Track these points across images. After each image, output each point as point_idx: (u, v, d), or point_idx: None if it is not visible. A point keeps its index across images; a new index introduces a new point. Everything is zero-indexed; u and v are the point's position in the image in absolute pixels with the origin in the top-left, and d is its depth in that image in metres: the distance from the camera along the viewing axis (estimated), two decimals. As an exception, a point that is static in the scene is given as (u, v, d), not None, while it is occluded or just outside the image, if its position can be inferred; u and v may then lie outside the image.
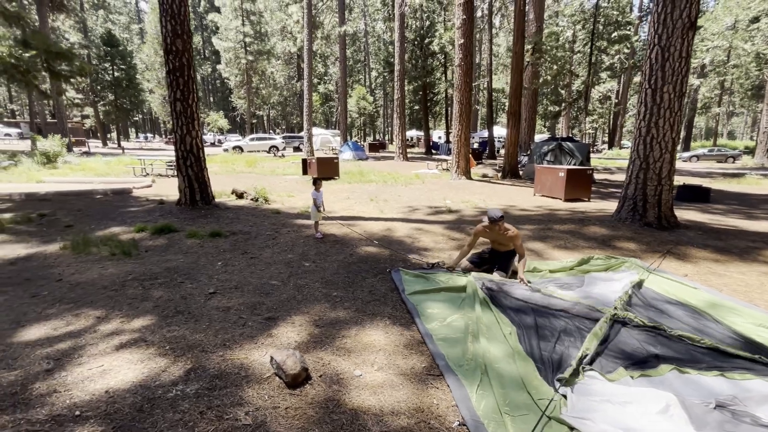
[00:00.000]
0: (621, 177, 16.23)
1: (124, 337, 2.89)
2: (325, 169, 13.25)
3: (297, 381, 2.27)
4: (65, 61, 9.29)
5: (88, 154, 23.81)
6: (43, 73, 10.51)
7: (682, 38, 5.92)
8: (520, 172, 14.88)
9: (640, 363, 2.67)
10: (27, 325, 3.05)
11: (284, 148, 30.09)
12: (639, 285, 3.90)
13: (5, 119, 42.43)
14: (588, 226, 6.45)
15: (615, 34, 22.14)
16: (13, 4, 11.22)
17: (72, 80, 10.31)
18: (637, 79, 28.15)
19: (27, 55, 8.77)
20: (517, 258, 4.19)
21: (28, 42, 8.86)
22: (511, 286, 3.78)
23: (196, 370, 2.44)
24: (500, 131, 35.64)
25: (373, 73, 54.43)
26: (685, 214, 7.81)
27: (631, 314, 3.17)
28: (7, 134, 35.24)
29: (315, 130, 29.88)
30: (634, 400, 2.17)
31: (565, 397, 2.24)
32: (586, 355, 2.67)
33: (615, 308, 3.26)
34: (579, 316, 3.29)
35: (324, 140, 32.06)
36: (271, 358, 2.39)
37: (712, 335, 3.01)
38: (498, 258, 4.28)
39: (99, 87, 32.99)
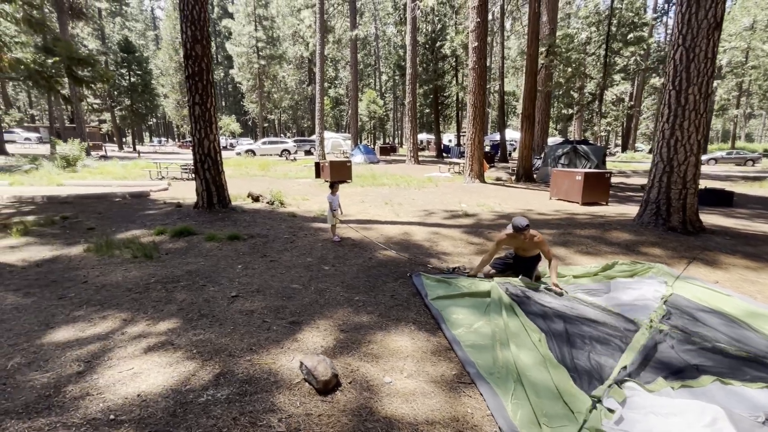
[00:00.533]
0: (637, 180, 15.94)
1: (152, 340, 2.89)
2: (338, 173, 13.28)
3: (328, 387, 2.24)
4: (87, 67, 9.52)
5: (105, 157, 24.28)
6: (65, 78, 10.76)
7: (708, 39, 5.78)
8: (534, 176, 14.72)
9: (679, 373, 2.58)
10: (56, 327, 3.07)
11: (296, 152, 30.33)
12: (670, 294, 3.77)
13: (25, 124, 43.60)
14: (610, 230, 6.32)
15: (631, 35, 21.83)
16: (35, 12, 11.52)
17: (93, 86, 10.53)
18: (654, 81, 27.69)
19: (50, 61, 8.99)
20: (546, 264, 4.10)
21: (51, 49, 9.09)
22: (536, 295, 3.69)
23: (226, 375, 2.42)
24: (511, 134, 35.38)
25: (384, 77, 54.67)
26: (709, 218, 7.60)
27: (665, 326, 3.06)
28: (27, 138, 36.24)
29: (326, 134, 30.04)
30: (679, 412, 2.09)
31: (611, 411, 2.15)
32: (625, 368, 2.58)
33: (651, 321, 3.16)
34: (610, 324, 3.20)
35: (335, 144, 32.24)
36: (301, 363, 2.37)
37: (753, 345, 2.90)
38: (522, 263, 4.19)
39: (116, 92, 33.74)
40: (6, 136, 30.44)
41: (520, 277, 4.03)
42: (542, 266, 4.33)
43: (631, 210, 8.39)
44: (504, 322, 3.21)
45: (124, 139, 43.26)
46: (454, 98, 31.91)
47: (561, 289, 3.74)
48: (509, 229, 4.05)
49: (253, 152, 28.66)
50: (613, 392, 2.37)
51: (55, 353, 2.68)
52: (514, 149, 36.39)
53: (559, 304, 3.54)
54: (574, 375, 2.53)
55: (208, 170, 7.60)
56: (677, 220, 6.21)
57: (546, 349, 2.82)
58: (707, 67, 5.86)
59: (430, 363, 2.66)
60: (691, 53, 5.85)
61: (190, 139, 47.39)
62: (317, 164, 14.76)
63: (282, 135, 54.43)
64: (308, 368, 2.27)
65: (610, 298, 3.66)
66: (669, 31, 41.75)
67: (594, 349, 2.88)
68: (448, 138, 42.40)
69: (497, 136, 30.05)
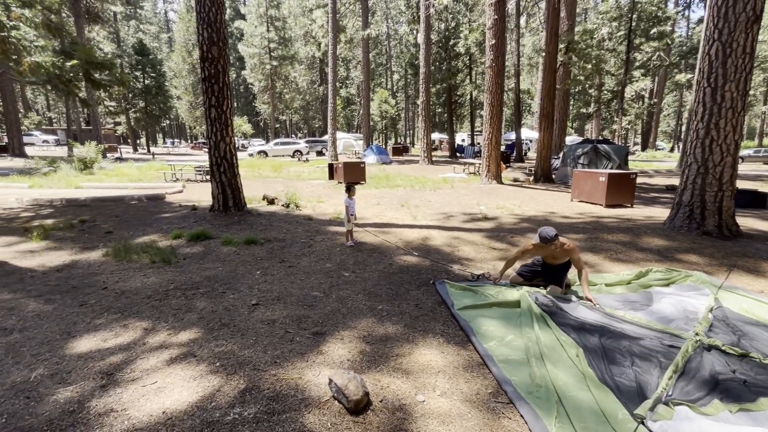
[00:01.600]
0: (660, 180, 15.50)
1: (173, 351, 2.85)
2: (352, 174, 13.23)
3: (359, 407, 2.14)
4: (105, 71, 9.67)
5: (120, 159, 24.75)
6: (83, 82, 10.95)
7: (746, 33, 5.52)
8: (553, 176, 14.42)
9: (734, 394, 2.40)
10: (77, 336, 3.05)
11: (308, 153, 30.45)
12: (717, 305, 3.57)
13: (43, 126, 44.82)
14: (640, 235, 6.09)
15: (653, 30, 21.25)
16: (53, 17, 11.75)
17: (110, 89, 10.69)
18: (678, 77, 26.94)
19: (69, 64, 9.15)
20: (577, 274, 3.93)
21: (70, 52, 9.24)
22: (569, 306, 3.53)
23: (251, 391, 2.35)
24: (526, 133, 34.87)
25: (395, 76, 54.57)
26: (744, 221, 7.28)
27: (717, 341, 2.88)
28: (45, 141, 37.22)
29: (338, 134, 30.09)
30: (744, 442, 1.93)
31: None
32: (666, 393, 2.40)
33: (696, 334, 2.97)
34: (651, 338, 3.04)
35: (347, 144, 32.24)
36: (330, 380, 2.28)
37: (813, 364, 2.69)
38: (551, 271, 4.03)
39: (131, 95, 34.41)
40: (25, 139, 31.31)
41: (549, 287, 3.88)
42: (572, 273, 4.17)
43: (659, 213, 8.12)
44: (536, 335, 3.07)
45: (138, 141, 44.11)
46: (468, 97, 31.62)
47: (595, 303, 3.56)
48: (537, 239, 3.89)
49: (265, 153, 28.88)
50: (658, 415, 2.22)
51: (77, 364, 2.65)
52: (529, 149, 35.89)
53: (594, 317, 3.38)
54: (619, 396, 2.39)
55: (223, 173, 7.61)
56: (712, 224, 5.95)
57: (586, 366, 2.68)
58: (745, 63, 5.60)
59: (463, 380, 2.55)
60: (728, 48, 5.59)
61: (202, 140, 48.08)
62: (331, 165, 14.74)
63: (293, 135, 54.80)
64: (338, 386, 2.18)
65: (652, 313, 3.47)
66: (691, 26, 40.66)
67: (636, 366, 2.72)
68: (461, 137, 42.10)
69: (512, 136, 29.67)
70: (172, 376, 2.52)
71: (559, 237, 3.78)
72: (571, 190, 10.15)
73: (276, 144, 30.27)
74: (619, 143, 26.89)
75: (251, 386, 2.40)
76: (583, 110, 27.64)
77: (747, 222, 7.26)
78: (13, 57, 10.20)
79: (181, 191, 11.27)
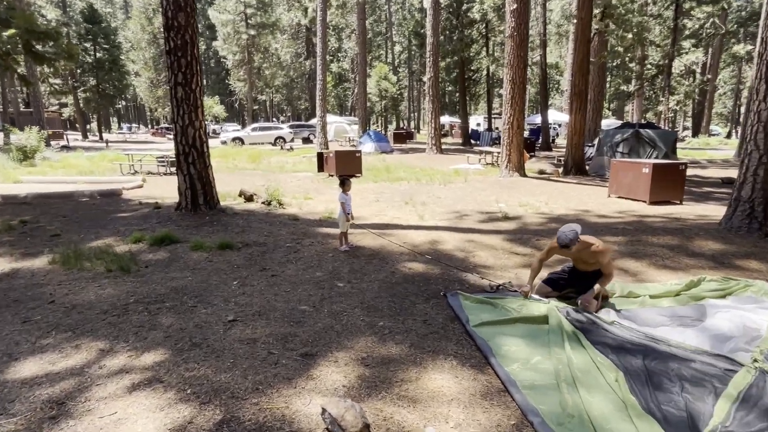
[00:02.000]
0: (714, 172, 15.57)
1: (136, 376, 2.87)
2: (346, 165, 13.30)
3: (358, 441, 2.17)
4: (49, 42, 9.68)
5: (67, 148, 24.81)
6: (22, 55, 10.98)
7: (817, -5, 5.56)
8: (587, 167, 14.48)
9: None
10: (21, 359, 3.08)
11: (292, 140, 30.53)
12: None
13: (-26, 109, 44.86)
14: (691, 238, 6.14)
15: (707, -8, 21.35)
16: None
17: (55, 64, 10.72)
18: (738, 48, 27.00)
19: (6, 35, 9.17)
20: (614, 281, 3.98)
21: (7, 20, 9.26)
22: (606, 326, 3.55)
23: (230, 422, 2.38)
24: (554, 116, 35.02)
25: (397, 48, 54.67)
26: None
27: None
28: (-24, 126, 37.28)
29: (328, 118, 30.16)
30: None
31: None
32: (722, 425, 2.42)
33: (755, 360, 3.00)
34: (704, 360, 3.07)
35: (339, 129, 32.35)
36: (323, 410, 2.31)
37: None
38: (583, 280, 4.07)
39: (79, 70, 34.43)
40: (-48, 124, 31.31)
41: (579, 299, 3.89)
42: (613, 282, 4.20)
43: (713, 211, 8.18)
44: (567, 357, 3.11)
45: (88, 126, 44.15)
46: (484, 73, 31.69)
47: (597, 316, 3.65)
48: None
49: (241, 140, 28.97)
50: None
51: (21, 392, 2.68)
52: (557, 134, 36.03)
53: (633, 336, 3.41)
54: (666, 427, 2.42)
55: (192, 164, 7.65)
56: (777, 224, 6.00)
57: (627, 392, 2.71)
58: (817, 31, 5.64)
59: (481, 409, 2.58)
60: (796, 14, 5.62)
61: (165, 125, 48.10)
62: (320, 155, 14.81)
63: (274, 119, 54.87)
64: (333, 417, 2.21)
65: (705, 329, 3.50)
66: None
67: (686, 393, 2.75)
68: (477, 121, 42.18)
69: (538, 119, 29.80)
70: (135, 405, 2.55)
71: (576, 242, 3.76)
72: (609, 184, 10.23)
73: (254, 129, 30.35)
74: (666, 128, 27.02)
75: (229, 417, 2.43)
76: (623, 88, 27.71)
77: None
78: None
79: (140, 186, 11.36)
